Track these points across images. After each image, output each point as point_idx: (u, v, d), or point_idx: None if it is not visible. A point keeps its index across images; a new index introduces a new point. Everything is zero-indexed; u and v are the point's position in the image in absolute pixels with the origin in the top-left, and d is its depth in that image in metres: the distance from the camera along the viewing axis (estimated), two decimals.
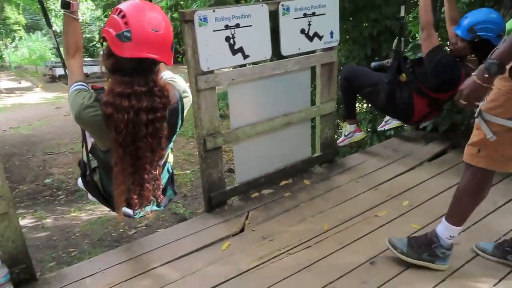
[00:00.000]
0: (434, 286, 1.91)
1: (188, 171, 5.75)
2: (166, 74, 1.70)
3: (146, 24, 1.39)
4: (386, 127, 3.50)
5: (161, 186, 1.72)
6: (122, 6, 1.42)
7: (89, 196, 2.00)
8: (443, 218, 1.94)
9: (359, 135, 3.33)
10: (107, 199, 1.87)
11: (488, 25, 2.47)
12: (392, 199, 2.66)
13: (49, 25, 1.82)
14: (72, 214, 4.50)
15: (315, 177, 3.02)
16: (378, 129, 3.66)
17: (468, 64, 2.61)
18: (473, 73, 1.53)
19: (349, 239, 2.28)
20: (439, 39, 3.52)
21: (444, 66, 2.57)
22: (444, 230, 1.94)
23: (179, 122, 1.65)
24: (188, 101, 1.69)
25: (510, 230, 2.26)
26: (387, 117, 3.42)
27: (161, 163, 1.76)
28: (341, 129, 5.16)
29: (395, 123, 3.42)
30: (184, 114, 1.71)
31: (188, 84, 1.80)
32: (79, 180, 2.02)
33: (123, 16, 1.38)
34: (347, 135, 3.33)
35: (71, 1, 1.56)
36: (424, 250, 1.98)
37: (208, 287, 1.98)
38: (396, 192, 2.72)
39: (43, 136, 7.47)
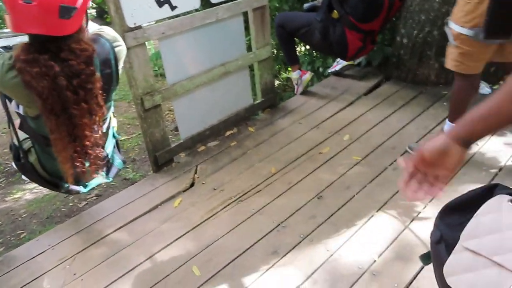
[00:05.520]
0: (377, 210, 2.06)
1: (134, 135, 5.58)
2: (93, 27, 1.59)
3: None
4: (337, 68, 3.56)
5: (103, 150, 1.67)
6: None
7: (23, 176, 1.89)
8: (447, 120, 2.33)
9: (307, 77, 3.36)
10: (47, 180, 1.78)
11: None
12: (334, 135, 2.76)
13: None
14: (15, 196, 4.26)
15: (259, 124, 3.05)
16: (329, 71, 3.71)
17: None
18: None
19: (296, 178, 2.36)
20: None
21: None
22: (450, 128, 2.19)
23: (115, 73, 1.57)
24: (121, 50, 1.61)
25: None
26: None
27: (104, 126, 1.69)
28: (282, 75, 5.19)
29: (345, 62, 3.49)
30: (120, 66, 1.63)
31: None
32: (14, 164, 1.91)
33: None
34: (297, 83, 3.37)
35: None
36: None
37: (164, 245, 2.01)
38: (337, 128, 2.83)
39: None
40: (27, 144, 1.73)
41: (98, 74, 1.49)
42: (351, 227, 1.97)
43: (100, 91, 1.51)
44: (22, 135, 1.73)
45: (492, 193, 0.76)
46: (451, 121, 2.29)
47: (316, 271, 1.76)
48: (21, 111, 1.58)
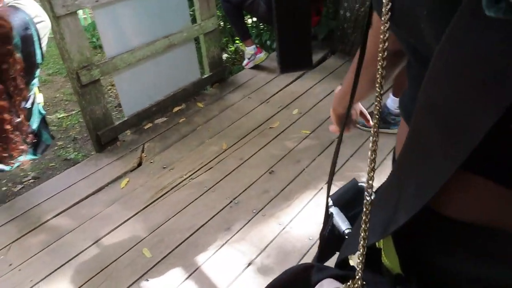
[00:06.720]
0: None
1: (73, 112, 5.23)
2: None
3: None
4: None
5: (28, 132, 1.53)
6: None
7: None
8: (390, 94, 2.42)
9: (262, 56, 3.28)
10: None
11: None
12: (283, 109, 2.75)
13: None
14: None
15: (208, 99, 2.96)
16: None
17: None
18: None
19: (248, 154, 2.34)
20: None
21: None
22: (392, 102, 2.40)
23: (38, 51, 1.41)
24: (45, 26, 1.44)
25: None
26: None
27: (26, 105, 1.54)
28: (230, 47, 5.07)
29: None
30: (44, 43, 1.47)
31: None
32: None
33: None
34: (250, 58, 3.29)
35: None
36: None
37: (111, 228, 1.92)
38: (286, 102, 2.82)
39: None
40: None
41: (18, 55, 1.34)
42: (302, 200, 2.00)
43: (22, 73, 1.36)
44: None
45: (309, 275, 0.65)
46: (395, 95, 2.38)
47: (268, 245, 1.78)
48: None
